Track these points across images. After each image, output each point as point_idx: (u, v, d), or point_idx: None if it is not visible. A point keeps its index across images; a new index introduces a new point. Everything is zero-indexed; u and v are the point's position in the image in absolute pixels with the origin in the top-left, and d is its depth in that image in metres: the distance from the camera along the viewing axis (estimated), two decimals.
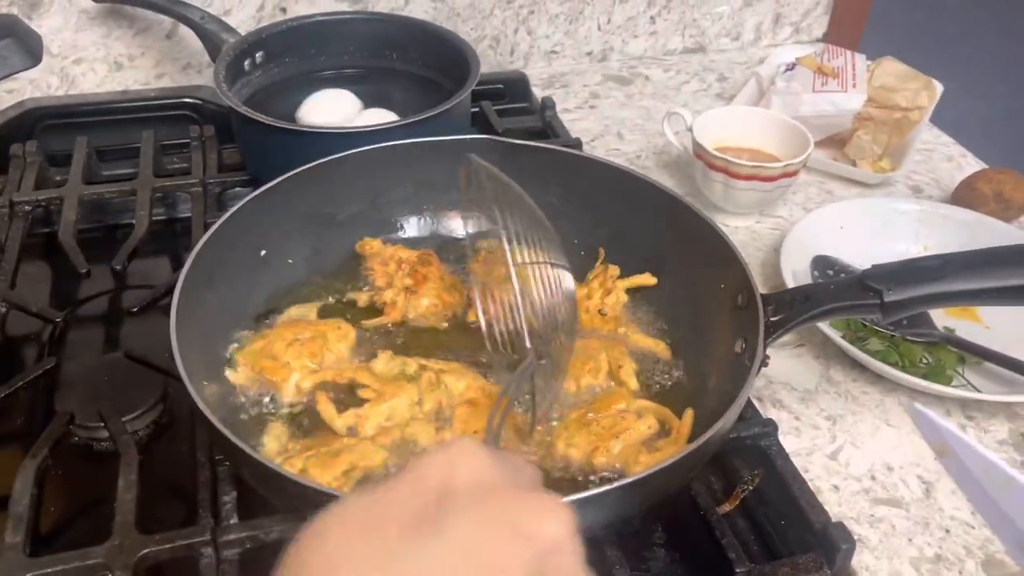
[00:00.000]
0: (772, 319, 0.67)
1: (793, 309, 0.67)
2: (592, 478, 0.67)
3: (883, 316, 0.64)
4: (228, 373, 0.73)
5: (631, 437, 0.67)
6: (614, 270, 0.82)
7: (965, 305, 0.83)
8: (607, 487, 0.55)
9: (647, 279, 0.82)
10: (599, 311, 0.80)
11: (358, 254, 0.86)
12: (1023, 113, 2.45)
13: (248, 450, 0.56)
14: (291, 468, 0.63)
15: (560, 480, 0.67)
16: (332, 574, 0.31)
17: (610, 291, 0.80)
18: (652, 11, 1.35)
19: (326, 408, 0.69)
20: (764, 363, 0.65)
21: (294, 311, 0.80)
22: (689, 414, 0.69)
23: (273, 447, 0.67)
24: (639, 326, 0.81)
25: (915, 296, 0.62)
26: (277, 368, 0.73)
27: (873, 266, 0.66)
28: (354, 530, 0.32)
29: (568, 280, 0.70)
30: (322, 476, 0.62)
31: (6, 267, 0.88)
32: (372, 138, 0.87)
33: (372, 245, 0.86)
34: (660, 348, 0.78)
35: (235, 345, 0.76)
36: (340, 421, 0.69)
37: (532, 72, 1.31)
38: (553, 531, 0.33)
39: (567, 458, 0.68)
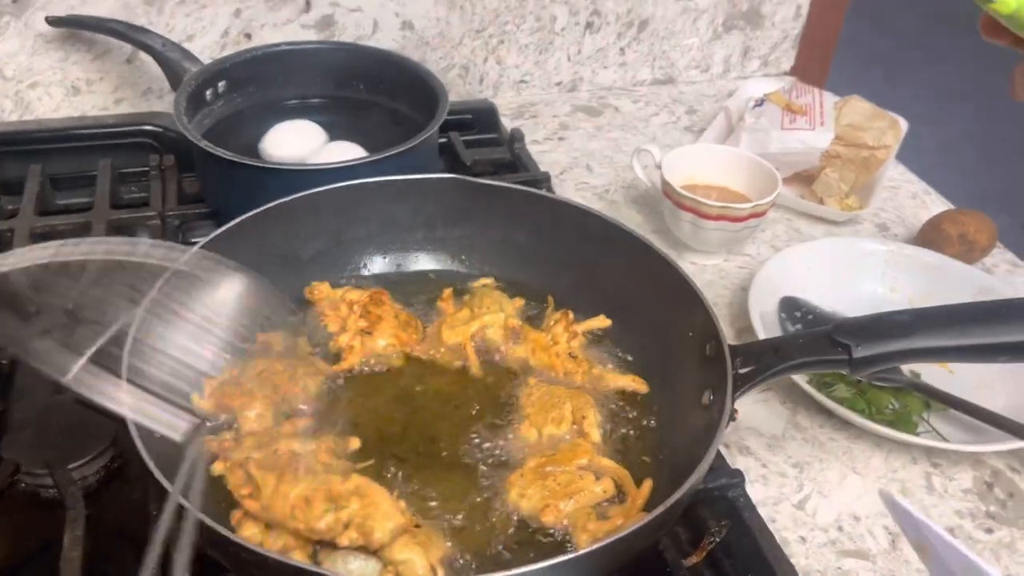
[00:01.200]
0: (740, 371, 0.66)
1: (761, 362, 0.66)
2: (540, 536, 0.65)
3: (851, 371, 0.63)
4: (194, 397, 0.71)
5: (584, 499, 0.65)
6: (571, 316, 0.80)
7: (935, 361, 0.84)
8: (572, 554, 0.54)
9: (601, 321, 0.81)
10: (569, 354, 0.78)
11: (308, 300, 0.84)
12: (982, 136, 2.51)
13: (209, 521, 0.53)
14: (253, 524, 0.60)
15: (501, 527, 0.65)
16: None
17: (575, 335, 0.79)
18: (622, 42, 1.35)
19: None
20: (732, 417, 0.64)
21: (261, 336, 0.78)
22: (647, 484, 0.67)
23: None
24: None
25: (884, 352, 0.62)
26: (238, 395, 0.71)
27: (842, 320, 0.65)
28: None
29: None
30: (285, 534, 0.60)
31: None
32: (337, 175, 0.85)
33: (321, 289, 0.83)
34: (637, 382, 0.77)
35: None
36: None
37: (501, 102, 1.30)
38: None
39: (517, 507, 0.66)
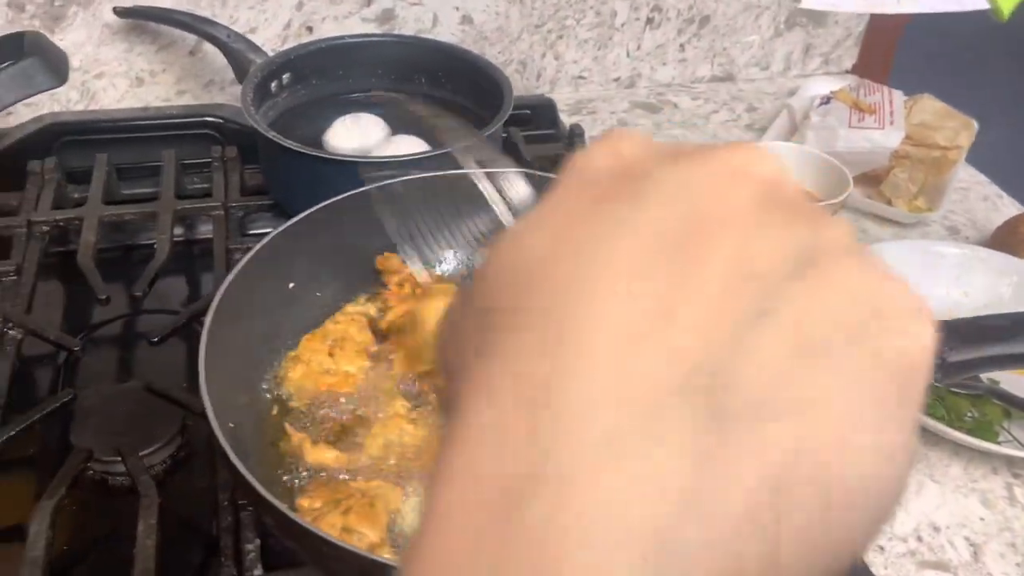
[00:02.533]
0: None
1: None
2: None
3: (943, 376, 0.61)
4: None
5: None
6: None
7: None
8: None
9: None
10: None
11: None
12: None
13: (283, 509, 0.53)
14: (331, 527, 0.59)
15: None
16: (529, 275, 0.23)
17: None
18: (682, 38, 1.33)
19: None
20: None
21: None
22: None
23: (305, 505, 0.63)
24: None
25: (980, 357, 0.60)
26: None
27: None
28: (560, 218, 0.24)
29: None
30: (370, 532, 0.60)
31: (22, 291, 0.86)
32: (402, 168, 0.85)
33: (392, 261, 0.83)
34: None
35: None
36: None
37: (558, 97, 1.28)
38: (768, 169, 0.25)
39: None
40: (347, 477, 0.66)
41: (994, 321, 0.62)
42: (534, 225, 0.24)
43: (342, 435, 0.70)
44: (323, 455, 0.67)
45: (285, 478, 0.67)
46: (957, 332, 0.61)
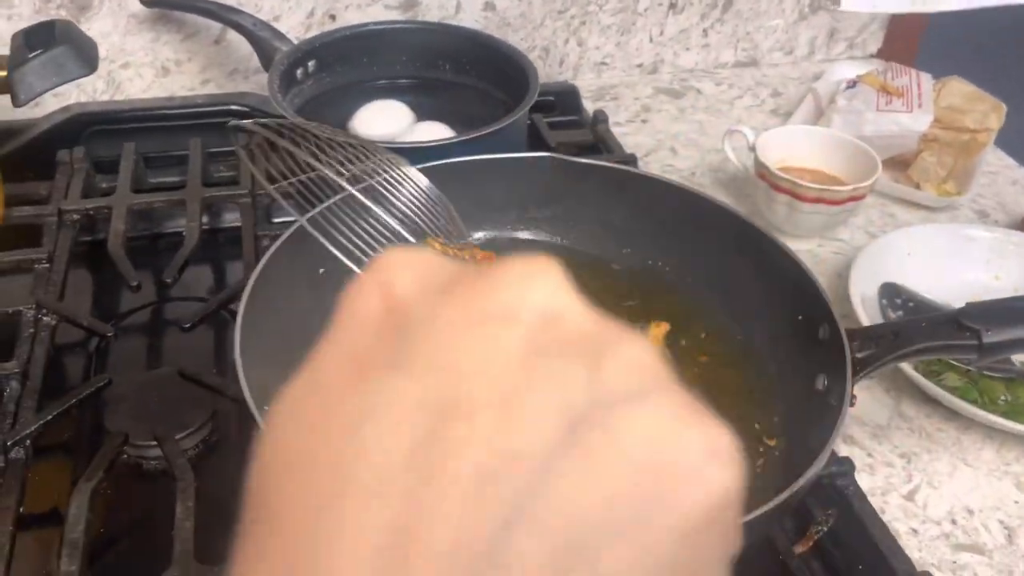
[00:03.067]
0: (858, 355, 0.64)
1: (881, 347, 0.64)
2: None
3: (979, 358, 0.61)
4: None
5: None
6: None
7: None
8: None
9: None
10: None
11: None
12: None
13: None
14: None
15: None
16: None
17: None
18: (705, 23, 1.32)
19: None
20: (852, 403, 0.62)
21: None
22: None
23: None
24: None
25: (1017, 338, 0.59)
26: None
27: (968, 304, 0.63)
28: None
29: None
30: None
31: (55, 278, 0.86)
32: (429, 154, 0.84)
33: (434, 246, 0.83)
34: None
35: None
36: None
37: (581, 84, 1.28)
38: (550, 284, 0.23)
39: None
40: None
41: None
42: (301, 397, 0.24)
43: None
44: None
45: None
46: (993, 313, 0.61)
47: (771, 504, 0.54)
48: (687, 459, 0.22)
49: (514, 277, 0.23)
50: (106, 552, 0.68)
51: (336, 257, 0.79)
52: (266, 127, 0.73)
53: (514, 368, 0.21)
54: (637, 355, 0.23)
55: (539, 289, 0.23)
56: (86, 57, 0.80)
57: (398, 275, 0.24)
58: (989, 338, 0.60)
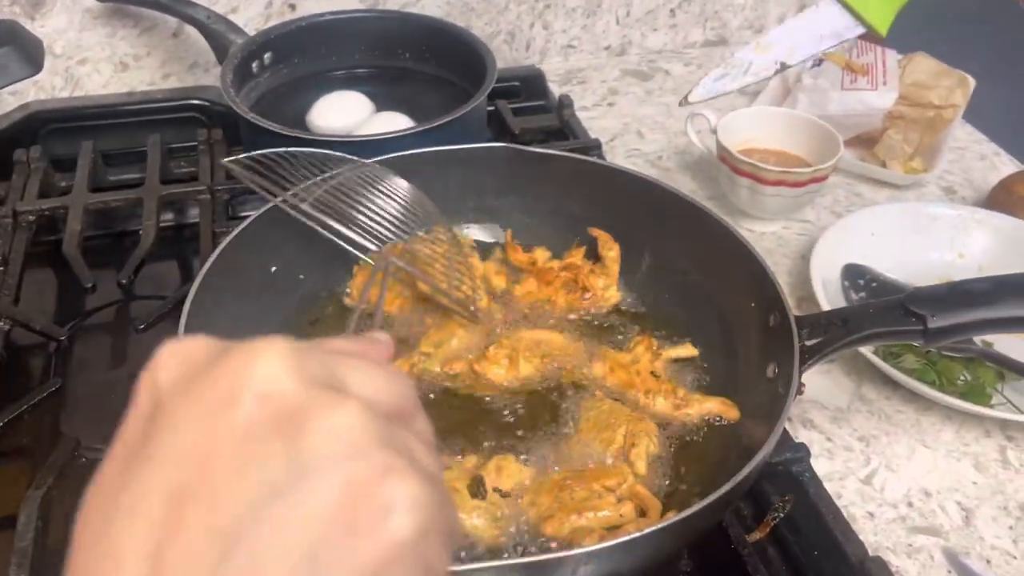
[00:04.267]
0: (807, 343, 0.63)
1: (829, 333, 0.63)
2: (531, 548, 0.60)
3: (926, 343, 0.60)
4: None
5: (596, 521, 0.60)
6: (653, 340, 0.75)
7: (1015, 332, 0.80)
8: (638, 533, 0.52)
9: (688, 350, 0.76)
10: (651, 373, 0.73)
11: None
12: None
13: None
14: None
15: (506, 524, 0.62)
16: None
17: (658, 355, 0.74)
18: (672, 3, 1.31)
19: None
20: (799, 391, 0.62)
21: None
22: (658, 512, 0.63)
23: None
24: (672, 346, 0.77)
25: (963, 323, 0.59)
26: (390, 298, 0.78)
27: (916, 289, 0.62)
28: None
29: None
30: None
31: (10, 281, 0.86)
32: (385, 146, 0.84)
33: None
34: (726, 407, 0.71)
35: None
36: None
37: (548, 67, 1.27)
38: (259, 373, 0.27)
39: (527, 515, 0.62)
40: None
41: (975, 285, 0.61)
42: (92, 488, 0.28)
43: None
44: None
45: None
46: (938, 298, 0.60)
47: (713, 497, 0.54)
48: (368, 515, 0.26)
49: (238, 363, 0.27)
50: (55, 558, 0.67)
51: (286, 256, 0.79)
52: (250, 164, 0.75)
53: (227, 455, 0.26)
54: (339, 423, 0.27)
55: (258, 372, 0.27)
56: (30, 58, 0.79)
57: (162, 370, 0.29)
58: (935, 323, 0.59)
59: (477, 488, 0.61)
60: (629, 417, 0.68)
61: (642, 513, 0.62)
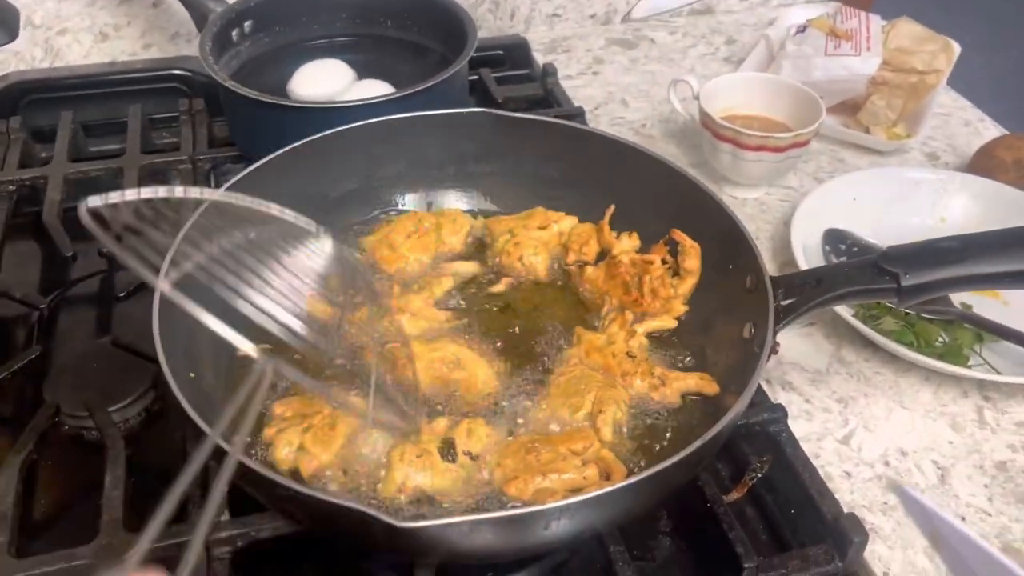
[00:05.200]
0: (782, 303, 0.64)
1: (804, 293, 0.64)
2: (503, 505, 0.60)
3: (900, 301, 0.61)
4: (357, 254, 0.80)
5: (560, 482, 0.60)
6: (629, 315, 0.74)
7: (987, 289, 0.80)
8: (609, 488, 0.52)
9: (666, 322, 0.74)
10: (627, 354, 0.72)
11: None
12: None
13: (229, 450, 0.53)
14: (287, 444, 0.61)
15: (471, 483, 0.62)
16: None
17: (632, 334, 0.73)
18: None
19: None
20: (774, 350, 0.62)
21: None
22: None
23: (278, 411, 0.66)
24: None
25: (934, 280, 0.59)
26: (393, 259, 0.79)
27: (889, 248, 0.62)
28: None
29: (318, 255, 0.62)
30: (321, 454, 0.61)
31: None
32: (366, 112, 0.83)
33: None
34: (705, 382, 0.70)
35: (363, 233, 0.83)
36: None
37: (533, 36, 1.26)
38: None
39: (491, 476, 0.62)
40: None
41: (947, 243, 0.61)
42: None
43: None
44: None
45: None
46: (911, 256, 0.61)
47: (686, 451, 0.54)
48: None
49: None
50: (44, 523, 0.68)
51: (267, 222, 0.79)
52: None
53: None
54: None
55: None
56: (6, 26, 0.78)
57: None
58: (907, 281, 0.60)
59: (448, 451, 0.62)
60: (600, 383, 0.68)
61: (607, 477, 0.62)
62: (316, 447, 0.62)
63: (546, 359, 0.73)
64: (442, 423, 0.64)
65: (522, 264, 0.80)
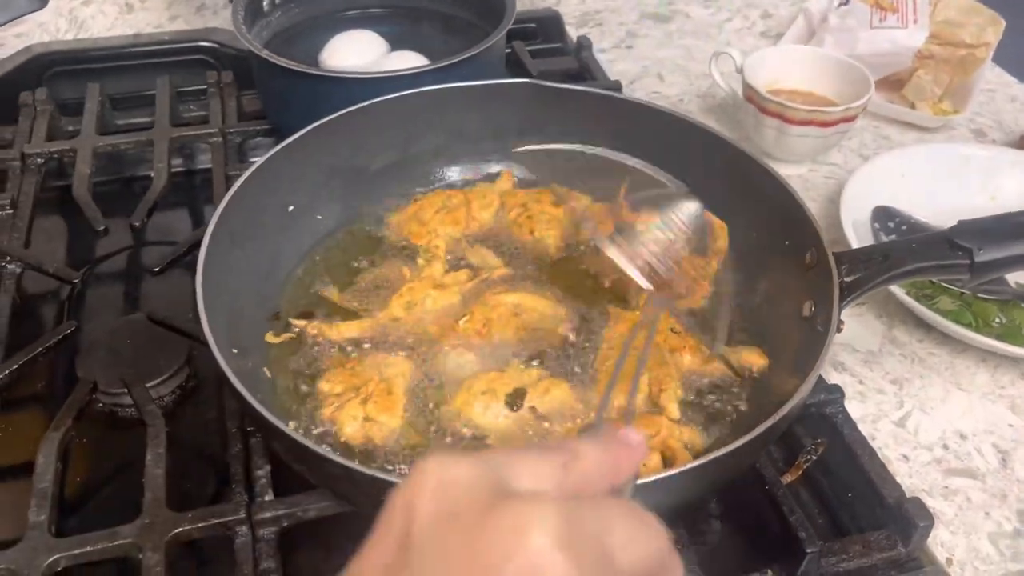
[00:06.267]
0: (847, 280, 0.61)
1: (870, 269, 0.61)
2: None
3: (972, 277, 0.58)
4: (383, 229, 0.79)
5: None
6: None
7: None
8: (672, 471, 0.51)
9: (692, 302, 0.72)
10: (671, 329, 0.70)
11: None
12: None
13: (285, 429, 0.51)
14: (352, 419, 0.61)
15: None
16: None
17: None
18: None
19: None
20: (839, 328, 0.60)
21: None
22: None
23: (325, 389, 0.65)
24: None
25: (1010, 256, 0.57)
26: (423, 233, 0.78)
27: (961, 221, 0.60)
28: None
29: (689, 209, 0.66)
30: (390, 420, 0.61)
31: (20, 224, 0.84)
32: (402, 83, 0.81)
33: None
34: (755, 356, 0.68)
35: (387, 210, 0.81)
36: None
37: (565, 10, 1.23)
38: (533, 545, 0.27)
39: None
40: (368, 346, 0.68)
41: (1022, 218, 0.58)
42: None
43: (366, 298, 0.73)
44: (346, 331, 0.68)
45: (297, 406, 0.65)
46: (985, 231, 0.58)
47: (753, 434, 0.52)
48: None
49: (508, 528, 0.28)
50: (79, 501, 0.67)
51: (304, 195, 0.77)
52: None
53: None
54: None
55: (530, 544, 0.27)
56: None
57: (422, 499, 0.29)
58: (981, 256, 0.57)
59: (515, 400, 0.61)
60: (649, 363, 0.66)
61: (669, 464, 0.60)
62: (382, 415, 0.61)
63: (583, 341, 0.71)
64: (533, 374, 0.64)
65: (533, 238, 0.78)
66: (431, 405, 0.64)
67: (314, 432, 0.62)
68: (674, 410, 0.63)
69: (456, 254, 0.78)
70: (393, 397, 0.62)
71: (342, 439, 0.61)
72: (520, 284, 0.74)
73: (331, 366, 0.67)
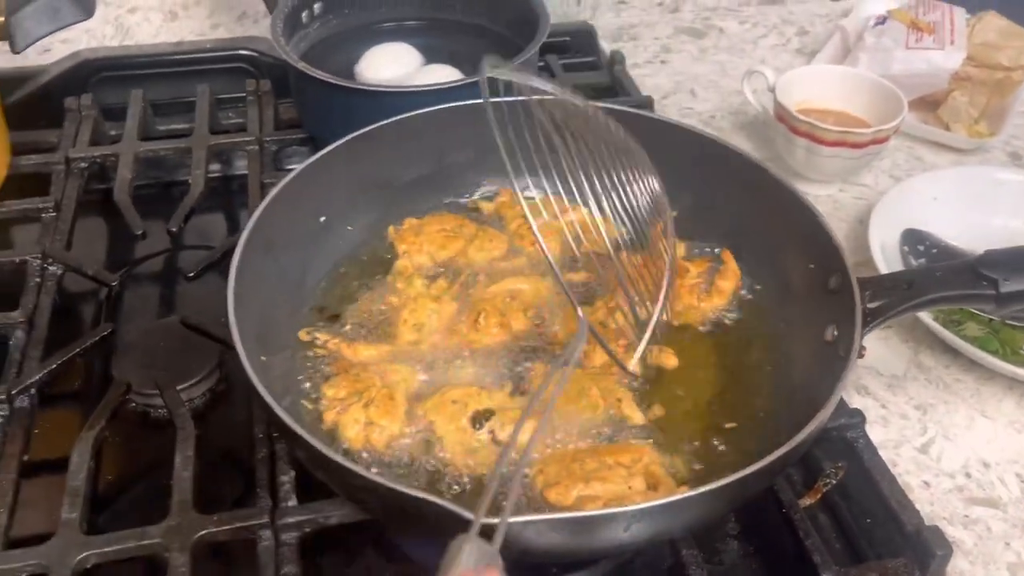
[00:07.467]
0: (870, 306, 0.61)
1: (894, 296, 0.61)
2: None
3: (997, 308, 0.58)
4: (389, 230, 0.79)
5: (602, 490, 0.58)
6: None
7: None
8: (689, 493, 0.51)
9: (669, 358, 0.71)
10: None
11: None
12: None
13: (312, 440, 0.53)
14: (354, 422, 0.62)
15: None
16: None
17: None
18: None
19: None
20: (861, 354, 0.60)
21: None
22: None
23: (330, 393, 0.66)
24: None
25: None
26: (413, 241, 0.78)
27: (987, 251, 0.60)
28: None
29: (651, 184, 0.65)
30: (391, 424, 0.62)
31: (62, 227, 0.86)
32: (436, 97, 0.82)
33: None
34: (666, 358, 0.69)
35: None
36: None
37: (599, 23, 1.24)
38: None
39: (533, 482, 0.60)
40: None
41: None
42: None
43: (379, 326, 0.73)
44: (364, 352, 0.69)
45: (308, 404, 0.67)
46: (1011, 260, 0.58)
47: (771, 458, 0.52)
48: None
49: None
50: (110, 500, 0.68)
51: (336, 206, 0.78)
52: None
53: None
54: None
55: None
56: (82, 2, 0.78)
57: None
58: (1007, 287, 0.57)
59: (480, 419, 0.63)
60: (590, 377, 0.66)
61: (653, 490, 0.60)
62: (384, 419, 0.62)
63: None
64: (508, 401, 0.65)
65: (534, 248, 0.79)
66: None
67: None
68: (637, 415, 0.64)
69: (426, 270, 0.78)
70: (395, 402, 0.63)
71: (342, 443, 0.62)
72: (497, 276, 0.76)
73: (337, 372, 0.68)
